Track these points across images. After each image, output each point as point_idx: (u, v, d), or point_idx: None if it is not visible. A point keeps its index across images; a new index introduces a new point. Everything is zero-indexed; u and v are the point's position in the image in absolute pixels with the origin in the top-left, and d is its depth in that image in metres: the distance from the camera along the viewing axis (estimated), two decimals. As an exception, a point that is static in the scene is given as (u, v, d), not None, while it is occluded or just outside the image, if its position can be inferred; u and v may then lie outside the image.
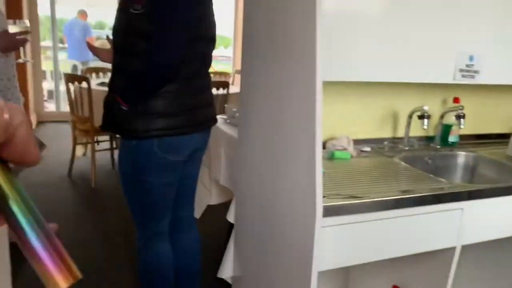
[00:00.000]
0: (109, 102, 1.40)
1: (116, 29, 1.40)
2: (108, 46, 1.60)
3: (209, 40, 1.48)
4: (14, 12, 4.83)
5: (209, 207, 2.35)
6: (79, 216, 2.88)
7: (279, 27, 1.27)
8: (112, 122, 1.42)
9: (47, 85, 6.41)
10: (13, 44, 1.90)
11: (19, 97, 2.11)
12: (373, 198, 1.22)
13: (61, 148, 4.32)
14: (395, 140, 1.95)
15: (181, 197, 1.68)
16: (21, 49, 2.00)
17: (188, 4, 1.31)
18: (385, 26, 1.53)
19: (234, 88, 4.10)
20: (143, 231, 1.58)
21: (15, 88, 2.04)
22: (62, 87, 5.83)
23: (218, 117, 2.05)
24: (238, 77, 6.15)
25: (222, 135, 2.11)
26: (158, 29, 1.27)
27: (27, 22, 2.00)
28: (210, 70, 1.57)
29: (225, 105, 2.81)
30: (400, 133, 1.96)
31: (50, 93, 6.52)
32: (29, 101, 5.17)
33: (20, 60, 2.06)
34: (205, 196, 2.31)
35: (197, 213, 2.17)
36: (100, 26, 9.30)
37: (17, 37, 1.90)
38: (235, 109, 2.37)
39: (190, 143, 1.50)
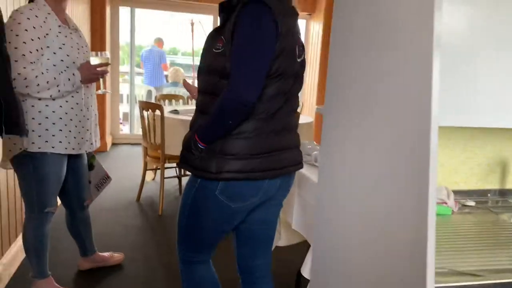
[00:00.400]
0: (188, 140, 1.38)
1: (200, 69, 1.40)
2: (180, 73, 1.55)
3: (292, 77, 1.35)
4: (98, 41, 5.15)
5: (277, 246, 2.20)
6: (144, 245, 2.84)
7: (380, 58, 1.09)
8: (188, 160, 1.38)
9: (123, 107, 6.73)
10: (93, 75, 1.92)
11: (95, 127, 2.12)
12: (497, 280, 0.97)
13: (132, 172, 4.44)
14: (502, 192, 1.65)
15: (257, 247, 1.56)
16: (101, 80, 2.01)
17: (265, 42, 1.24)
18: (502, 63, 1.28)
19: (302, 118, 3.94)
20: (183, 255, 1.54)
21: (93, 118, 2.06)
22: (136, 111, 6.09)
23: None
24: (305, 107, 5.99)
25: (297, 174, 1.95)
26: (233, 66, 1.24)
27: (107, 54, 2.02)
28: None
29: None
30: (509, 184, 1.66)
31: (125, 115, 6.83)
32: (106, 123, 5.42)
33: (100, 92, 2.08)
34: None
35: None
36: (173, 52, 9.89)
37: (98, 68, 1.92)
38: (310, 146, 2.19)
39: (261, 189, 1.37)
